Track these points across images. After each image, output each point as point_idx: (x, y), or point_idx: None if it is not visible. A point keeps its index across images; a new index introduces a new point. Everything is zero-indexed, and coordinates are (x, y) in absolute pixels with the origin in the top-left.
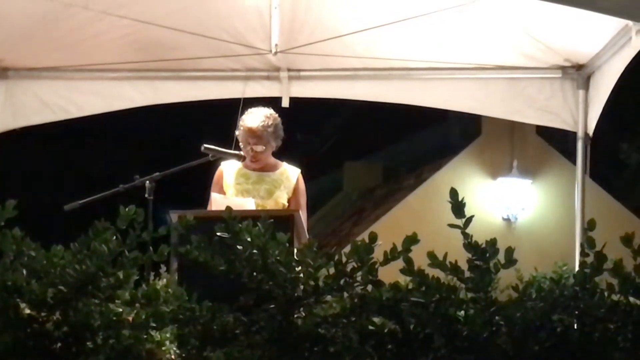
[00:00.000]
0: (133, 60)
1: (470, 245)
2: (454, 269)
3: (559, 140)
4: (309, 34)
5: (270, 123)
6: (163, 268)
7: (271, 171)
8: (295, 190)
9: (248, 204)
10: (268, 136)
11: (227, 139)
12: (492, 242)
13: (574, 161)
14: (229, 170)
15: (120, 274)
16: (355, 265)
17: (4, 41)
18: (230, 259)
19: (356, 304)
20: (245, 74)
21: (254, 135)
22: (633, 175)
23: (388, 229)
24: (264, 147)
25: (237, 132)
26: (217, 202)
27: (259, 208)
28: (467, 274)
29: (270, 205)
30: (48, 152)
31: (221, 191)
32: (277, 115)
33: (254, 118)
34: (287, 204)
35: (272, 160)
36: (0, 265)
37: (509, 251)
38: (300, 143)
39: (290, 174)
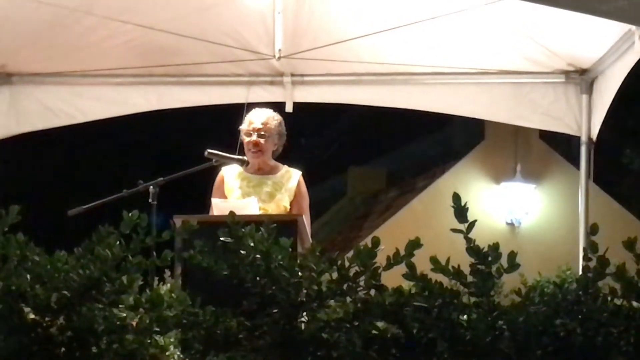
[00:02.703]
0: (137, 66)
1: (472, 249)
2: (457, 274)
3: (562, 145)
4: (313, 39)
5: (275, 118)
6: (167, 273)
7: (272, 174)
8: (297, 193)
9: (251, 203)
10: (272, 128)
11: (231, 144)
12: (495, 247)
13: (577, 166)
14: (230, 174)
15: (124, 279)
16: (358, 270)
17: (7, 47)
18: (233, 263)
19: (359, 309)
20: (249, 79)
21: (259, 125)
22: (637, 180)
23: (392, 233)
24: (267, 138)
25: (240, 127)
26: (218, 207)
27: (261, 211)
28: (470, 278)
29: (271, 208)
30: (52, 157)
31: (223, 196)
32: (281, 117)
33: (260, 112)
34: (288, 207)
35: (273, 162)
36: (4, 270)
37: (512, 256)
38: (304, 148)
39: (291, 176)
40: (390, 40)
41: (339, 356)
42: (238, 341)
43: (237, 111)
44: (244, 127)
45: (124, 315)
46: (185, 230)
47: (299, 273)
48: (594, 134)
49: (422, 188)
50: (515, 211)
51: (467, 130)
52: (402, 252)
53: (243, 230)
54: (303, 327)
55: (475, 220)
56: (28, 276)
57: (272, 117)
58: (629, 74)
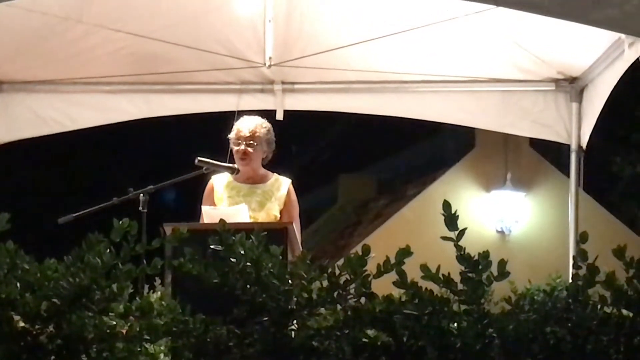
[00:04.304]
0: (127, 74)
1: (463, 257)
2: (447, 282)
3: (552, 153)
4: (303, 47)
5: (264, 126)
6: (158, 281)
7: (262, 182)
8: (287, 201)
9: (241, 210)
10: (261, 136)
11: (221, 152)
12: (485, 255)
13: (567, 174)
14: (220, 183)
15: (114, 287)
16: (349, 278)
17: None
18: (223, 271)
19: (349, 317)
20: (240, 87)
21: (248, 133)
22: (626, 188)
23: (382, 241)
24: (256, 146)
25: (229, 136)
26: (209, 214)
27: (251, 219)
28: (460, 286)
29: (261, 216)
30: (42, 165)
31: (213, 204)
32: (270, 125)
33: (248, 120)
34: (278, 215)
35: (263, 171)
36: None
37: (502, 263)
38: (295, 156)
39: (281, 185)
40: (381, 48)
41: None
42: (228, 349)
43: (228, 119)
44: (232, 135)
45: (114, 323)
46: (176, 238)
47: (289, 281)
48: (584, 142)
49: (412, 196)
50: (506, 219)
51: (457, 138)
52: (393, 260)
53: (233, 238)
54: (293, 335)
55: (466, 228)
56: (18, 284)
57: (261, 125)
58: (618, 82)
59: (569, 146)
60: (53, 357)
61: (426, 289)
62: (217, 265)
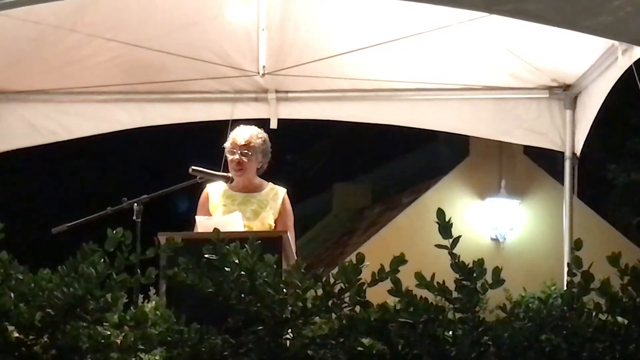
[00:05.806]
0: (121, 83)
1: (457, 265)
2: (442, 290)
3: (546, 160)
4: (297, 56)
5: (259, 135)
6: (152, 290)
7: (257, 191)
8: (282, 210)
9: (235, 218)
10: (256, 146)
11: (215, 161)
12: (480, 263)
13: (562, 181)
14: (215, 192)
15: (109, 297)
16: (343, 287)
17: None
18: (218, 281)
19: (344, 325)
20: (234, 96)
21: (243, 142)
22: (620, 195)
23: (377, 249)
24: (251, 156)
25: (225, 145)
26: (203, 224)
27: (245, 228)
28: (455, 294)
29: (256, 225)
30: (35, 175)
31: (207, 214)
32: (266, 135)
33: (244, 129)
34: (273, 224)
35: (258, 180)
36: None
37: (497, 271)
38: (289, 165)
39: (276, 194)
40: (375, 56)
41: None
42: (223, 358)
43: (222, 128)
44: (228, 144)
45: (109, 333)
46: (170, 247)
47: (284, 290)
48: (578, 149)
49: (407, 204)
50: (500, 227)
51: (451, 146)
52: (387, 268)
53: (227, 247)
54: (288, 344)
55: (460, 236)
56: (12, 294)
57: (256, 135)
58: (612, 89)
59: (563, 153)
60: None
61: (421, 297)
62: (212, 275)
